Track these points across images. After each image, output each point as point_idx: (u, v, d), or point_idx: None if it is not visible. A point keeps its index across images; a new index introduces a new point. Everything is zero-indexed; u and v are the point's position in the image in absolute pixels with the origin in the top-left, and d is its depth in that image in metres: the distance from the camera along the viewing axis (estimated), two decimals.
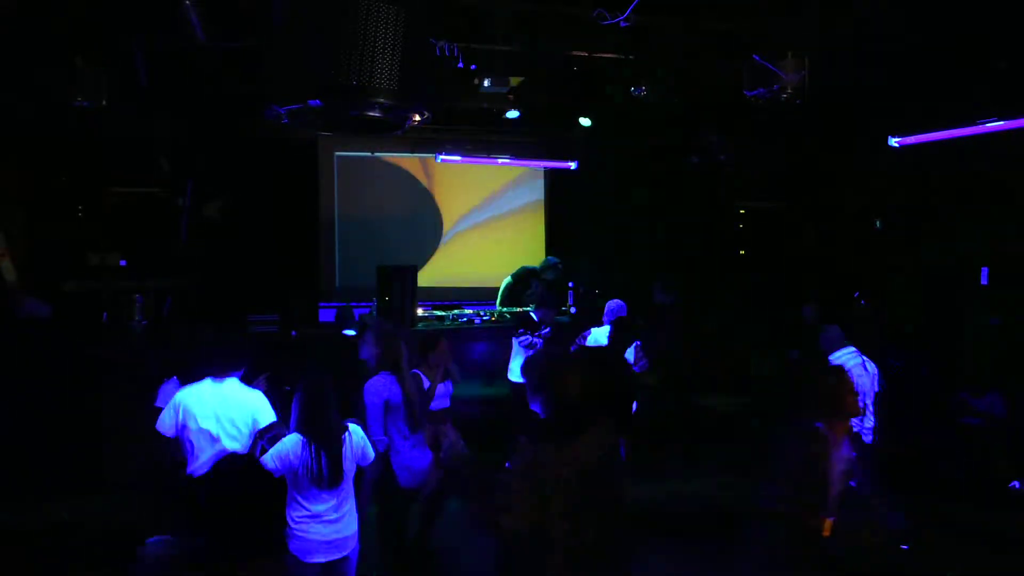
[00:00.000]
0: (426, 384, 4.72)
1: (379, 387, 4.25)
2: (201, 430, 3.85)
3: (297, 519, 3.56)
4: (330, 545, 3.58)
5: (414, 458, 4.29)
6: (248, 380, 4.17)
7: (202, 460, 3.87)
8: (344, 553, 3.63)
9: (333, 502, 3.57)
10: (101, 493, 5.85)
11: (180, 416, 3.88)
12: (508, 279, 8.61)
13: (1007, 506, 5.99)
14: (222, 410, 3.88)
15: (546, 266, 8.48)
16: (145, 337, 7.16)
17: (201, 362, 4.03)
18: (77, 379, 6.26)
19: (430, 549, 5.03)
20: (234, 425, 3.87)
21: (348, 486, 3.66)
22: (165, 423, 3.90)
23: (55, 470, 5.81)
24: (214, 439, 3.85)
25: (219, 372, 3.95)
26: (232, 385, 3.95)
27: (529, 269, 8.61)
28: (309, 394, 3.62)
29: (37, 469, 5.76)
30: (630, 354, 5.83)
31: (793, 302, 8.77)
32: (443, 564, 5.12)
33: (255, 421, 3.89)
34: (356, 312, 7.65)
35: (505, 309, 8.34)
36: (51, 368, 6.21)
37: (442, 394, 5.08)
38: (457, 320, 7.93)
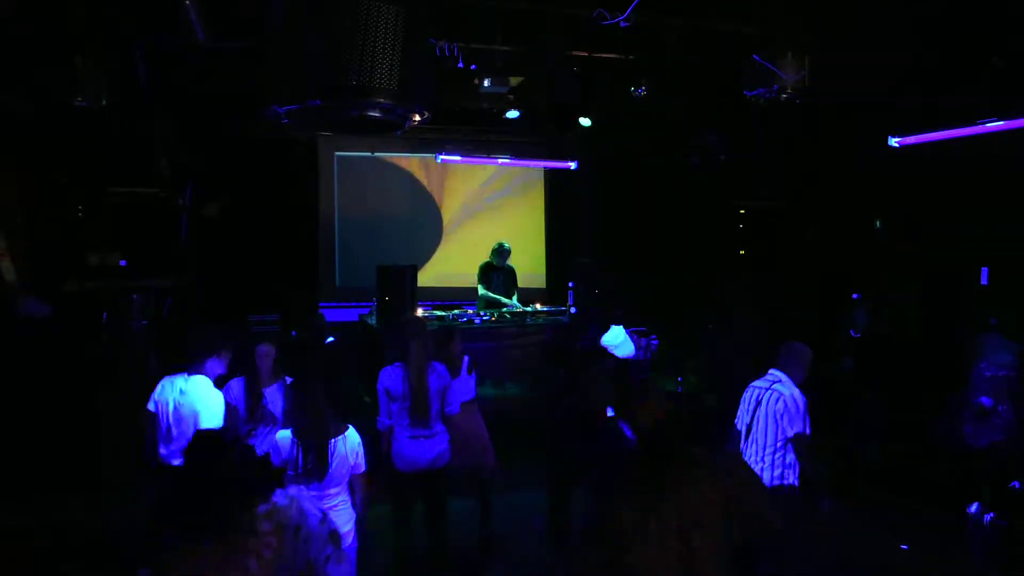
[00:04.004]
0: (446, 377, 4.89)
1: (382, 376, 4.51)
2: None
3: None
4: None
5: (409, 447, 4.44)
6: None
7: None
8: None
9: (321, 499, 3.57)
10: (100, 493, 5.85)
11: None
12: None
13: (1007, 506, 5.98)
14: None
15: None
16: (145, 337, 7.16)
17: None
18: (77, 379, 6.26)
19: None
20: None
21: (335, 485, 3.65)
22: None
23: (54, 470, 5.81)
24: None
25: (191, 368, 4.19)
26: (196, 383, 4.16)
27: (487, 263, 8.68)
28: (299, 391, 3.73)
29: (36, 469, 5.76)
30: (629, 346, 5.80)
31: (795, 302, 8.78)
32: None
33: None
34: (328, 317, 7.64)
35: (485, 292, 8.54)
36: (51, 368, 6.21)
37: (468, 386, 5.25)
38: (457, 320, 7.92)
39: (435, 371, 4.56)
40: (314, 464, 3.55)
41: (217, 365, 4.26)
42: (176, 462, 4.13)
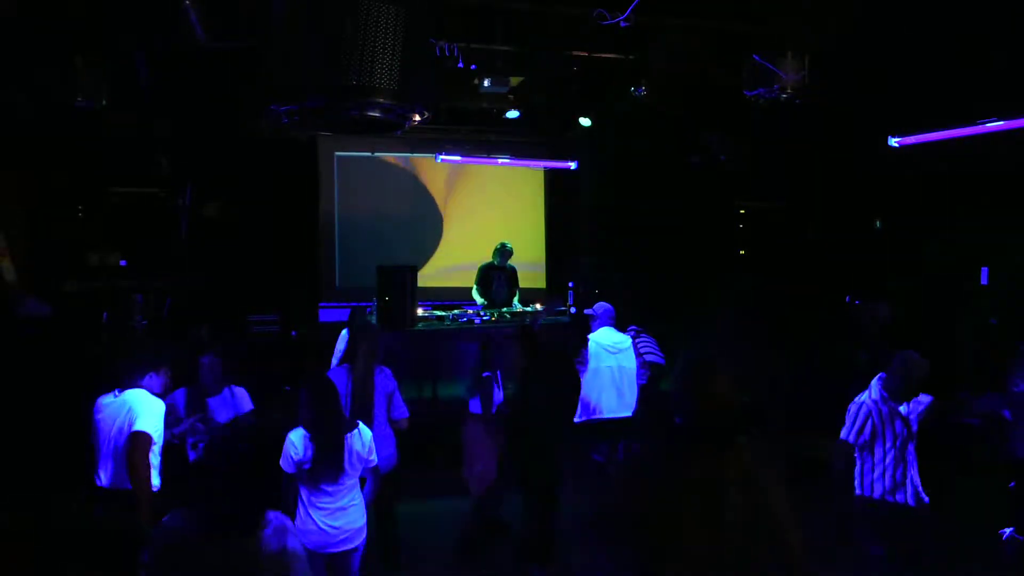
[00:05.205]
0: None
1: (330, 376, 4.44)
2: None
3: (304, 511, 3.61)
4: (336, 537, 3.62)
5: None
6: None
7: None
8: (352, 546, 3.68)
9: (338, 495, 3.63)
10: (100, 493, 5.83)
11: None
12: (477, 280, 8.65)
13: (1006, 506, 5.98)
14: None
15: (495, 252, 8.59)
16: (145, 337, 7.16)
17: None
18: (77, 379, 6.26)
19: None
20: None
21: (354, 481, 3.71)
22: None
23: (54, 470, 5.80)
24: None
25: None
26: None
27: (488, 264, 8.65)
28: (313, 390, 3.69)
29: (37, 469, 5.76)
30: (626, 354, 5.78)
31: (795, 303, 8.77)
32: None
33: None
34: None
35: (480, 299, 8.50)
36: (51, 368, 6.21)
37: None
38: (457, 320, 7.92)
39: (383, 373, 4.55)
40: (331, 460, 3.58)
41: (155, 381, 4.05)
42: (110, 479, 3.94)
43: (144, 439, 3.82)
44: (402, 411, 4.62)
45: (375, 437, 4.38)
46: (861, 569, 4.14)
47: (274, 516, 2.38)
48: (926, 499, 3.97)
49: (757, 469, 2.36)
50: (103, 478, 3.99)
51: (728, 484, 2.31)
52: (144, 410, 3.87)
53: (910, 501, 3.93)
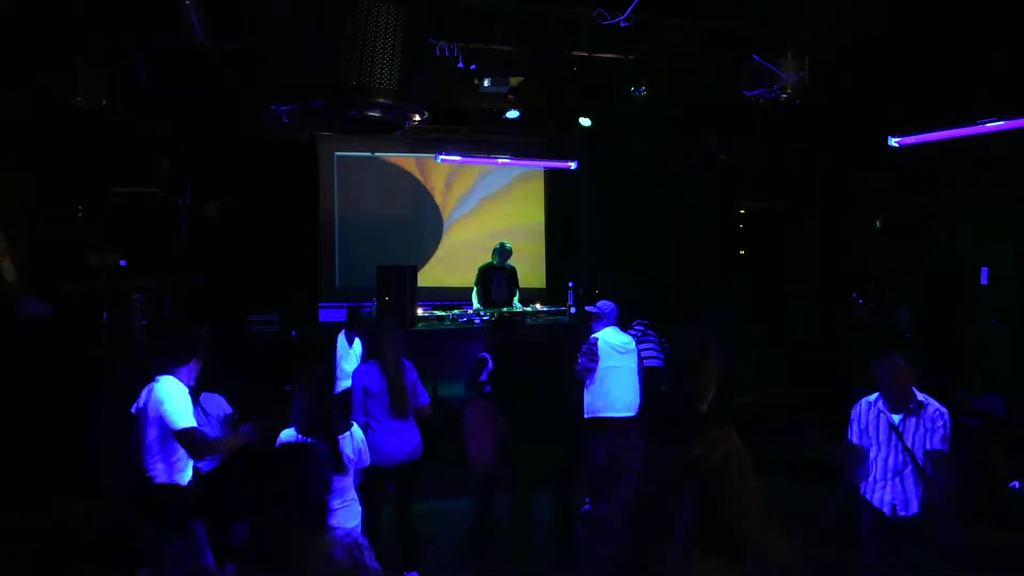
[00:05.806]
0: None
1: (359, 374, 4.63)
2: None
3: None
4: None
5: (387, 441, 4.52)
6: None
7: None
8: None
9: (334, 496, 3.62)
10: (100, 493, 5.84)
11: None
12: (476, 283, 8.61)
13: (1007, 507, 5.98)
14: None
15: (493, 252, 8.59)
16: (145, 337, 7.16)
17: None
18: (77, 379, 6.26)
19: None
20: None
21: (346, 483, 3.72)
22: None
23: (54, 470, 5.81)
24: None
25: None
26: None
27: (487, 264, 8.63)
28: (307, 390, 3.70)
29: (36, 469, 5.76)
30: (631, 355, 5.75)
31: (795, 303, 8.76)
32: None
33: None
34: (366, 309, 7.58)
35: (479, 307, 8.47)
36: (51, 368, 6.21)
37: None
38: (457, 320, 7.92)
39: (406, 367, 4.68)
40: (328, 459, 3.55)
41: (191, 371, 3.99)
42: (152, 473, 3.84)
43: (190, 435, 3.74)
44: (424, 397, 4.79)
45: (404, 430, 4.58)
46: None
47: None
48: (911, 513, 3.83)
49: (722, 459, 2.39)
50: (148, 470, 3.88)
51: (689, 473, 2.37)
52: (173, 406, 3.77)
53: (899, 513, 3.84)
